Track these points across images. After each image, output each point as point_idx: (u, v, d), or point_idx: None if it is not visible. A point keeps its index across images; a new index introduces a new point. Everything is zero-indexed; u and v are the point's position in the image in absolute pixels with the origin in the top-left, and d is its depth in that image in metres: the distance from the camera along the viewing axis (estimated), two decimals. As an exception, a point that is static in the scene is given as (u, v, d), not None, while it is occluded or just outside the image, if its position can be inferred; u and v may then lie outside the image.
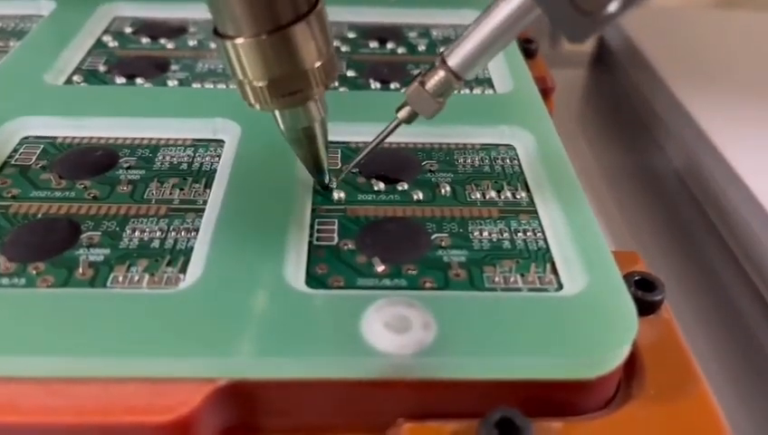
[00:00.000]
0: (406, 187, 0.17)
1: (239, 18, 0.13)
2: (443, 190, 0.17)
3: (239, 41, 0.13)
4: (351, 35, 0.24)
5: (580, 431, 0.12)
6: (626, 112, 0.37)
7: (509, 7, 0.13)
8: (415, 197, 0.16)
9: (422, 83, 0.15)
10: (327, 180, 0.16)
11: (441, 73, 0.14)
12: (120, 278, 0.14)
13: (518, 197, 0.16)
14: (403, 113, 0.15)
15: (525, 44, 0.24)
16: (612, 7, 0.12)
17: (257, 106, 0.14)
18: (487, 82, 0.21)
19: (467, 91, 0.21)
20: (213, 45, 0.23)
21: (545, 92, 0.23)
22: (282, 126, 0.15)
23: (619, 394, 0.13)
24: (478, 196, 0.16)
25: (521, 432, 0.12)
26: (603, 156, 0.36)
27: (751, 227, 0.26)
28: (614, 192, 0.34)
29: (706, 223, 0.30)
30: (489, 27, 0.14)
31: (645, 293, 0.15)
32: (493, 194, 0.16)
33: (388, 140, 0.18)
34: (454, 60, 0.14)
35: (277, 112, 0.15)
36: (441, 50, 0.14)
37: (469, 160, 0.18)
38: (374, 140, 0.16)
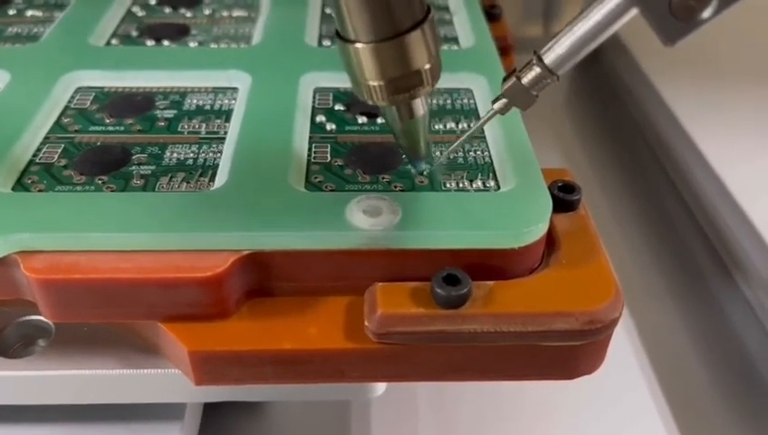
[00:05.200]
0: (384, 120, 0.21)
1: (360, 26, 0.14)
2: (413, 122, 0.21)
3: (359, 45, 0.15)
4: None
5: (506, 287, 0.17)
6: (608, 96, 0.41)
7: (605, 9, 0.14)
8: (390, 127, 0.21)
9: (519, 78, 0.16)
10: (423, 168, 0.18)
11: (537, 70, 0.15)
12: (165, 185, 0.18)
13: (472, 126, 0.21)
14: (499, 105, 0.16)
15: (490, 10, 0.28)
16: (706, 13, 0.13)
17: (370, 102, 0.16)
18: (453, 40, 0.25)
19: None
20: (224, 14, 0.27)
21: (506, 49, 0.27)
22: (389, 118, 0.17)
23: (541, 266, 0.18)
24: (441, 126, 0.21)
25: (461, 283, 0.16)
26: (588, 138, 0.40)
27: (715, 205, 0.30)
28: (597, 172, 0.37)
29: (674, 192, 0.33)
30: (585, 28, 0.15)
31: (565, 194, 0.19)
32: (452, 125, 0.21)
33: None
34: (549, 57, 0.15)
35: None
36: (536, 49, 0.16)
37: (435, 101, 0.22)
38: (469, 130, 0.18)
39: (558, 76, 0.16)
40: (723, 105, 0.34)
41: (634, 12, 0.14)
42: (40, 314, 0.17)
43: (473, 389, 0.25)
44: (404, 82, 0.15)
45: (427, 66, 0.15)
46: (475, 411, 0.25)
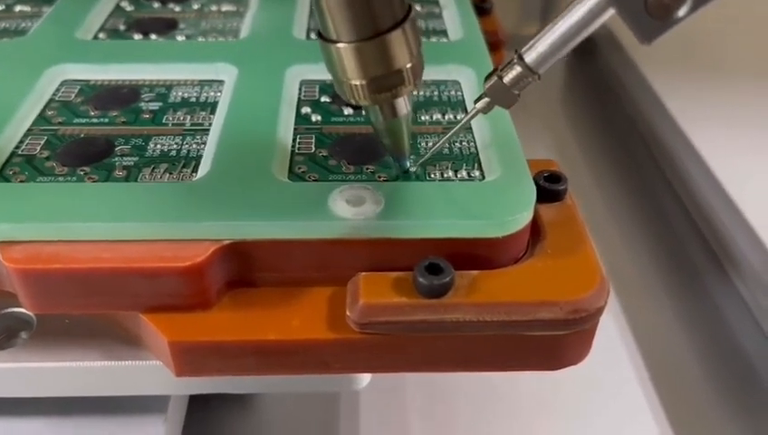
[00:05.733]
0: (369, 112, 0.21)
1: (342, 26, 0.15)
2: (399, 114, 0.21)
3: (341, 45, 0.15)
4: None
5: (490, 276, 0.16)
6: (602, 92, 0.41)
7: (583, 9, 0.14)
8: (376, 118, 0.20)
9: (500, 78, 0.16)
10: (408, 166, 0.18)
11: (518, 69, 0.16)
12: (147, 176, 0.18)
13: (458, 118, 0.21)
14: (481, 104, 0.17)
15: (480, 4, 0.28)
16: (681, 12, 0.13)
17: (353, 101, 0.16)
18: (442, 33, 0.25)
19: (425, 39, 0.25)
20: (213, 8, 0.27)
21: (497, 44, 0.27)
22: (372, 118, 0.17)
23: (525, 256, 0.18)
24: (427, 118, 0.21)
25: (444, 272, 0.16)
26: (582, 133, 0.40)
27: (706, 197, 0.30)
28: (591, 167, 0.37)
29: (669, 189, 0.33)
30: (564, 27, 0.15)
31: (551, 184, 0.19)
32: (438, 116, 0.21)
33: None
34: (530, 56, 0.15)
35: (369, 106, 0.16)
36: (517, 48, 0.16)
37: (422, 92, 0.22)
38: (453, 129, 0.18)
39: (539, 75, 0.16)
40: (716, 100, 0.34)
41: (611, 12, 0.14)
42: (21, 306, 0.17)
43: (466, 383, 0.25)
44: (386, 82, 0.15)
45: (409, 65, 0.15)
46: (467, 405, 0.24)
